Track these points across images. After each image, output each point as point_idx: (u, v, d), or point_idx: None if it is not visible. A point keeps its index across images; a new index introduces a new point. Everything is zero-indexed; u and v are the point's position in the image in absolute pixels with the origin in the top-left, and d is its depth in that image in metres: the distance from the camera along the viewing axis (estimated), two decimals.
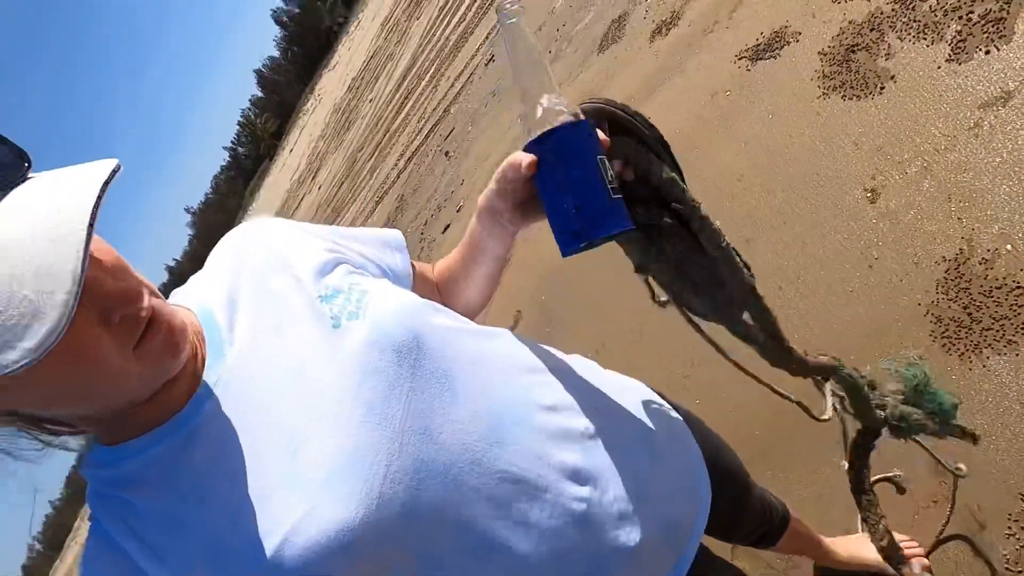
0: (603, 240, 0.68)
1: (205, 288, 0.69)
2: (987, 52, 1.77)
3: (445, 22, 9.23)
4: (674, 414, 0.90)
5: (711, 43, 2.98)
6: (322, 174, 16.68)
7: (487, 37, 6.88)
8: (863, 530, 1.42)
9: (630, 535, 0.70)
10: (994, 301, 1.44)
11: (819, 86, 2.22)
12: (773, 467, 1.67)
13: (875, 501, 0.91)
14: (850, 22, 2.24)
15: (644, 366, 2.25)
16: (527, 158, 0.68)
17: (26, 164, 0.52)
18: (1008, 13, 1.77)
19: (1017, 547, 1.22)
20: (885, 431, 0.89)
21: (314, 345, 0.63)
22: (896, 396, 0.90)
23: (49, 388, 0.51)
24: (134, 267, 0.57)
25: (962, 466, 1.21)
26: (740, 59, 2.70)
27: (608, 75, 3.71)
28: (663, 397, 0.93)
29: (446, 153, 6.35)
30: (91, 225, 0.47)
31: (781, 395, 0.90)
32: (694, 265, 0.73)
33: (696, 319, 0.78)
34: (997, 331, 1.41)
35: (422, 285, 0.86)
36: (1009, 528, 1.24)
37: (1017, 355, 1.36)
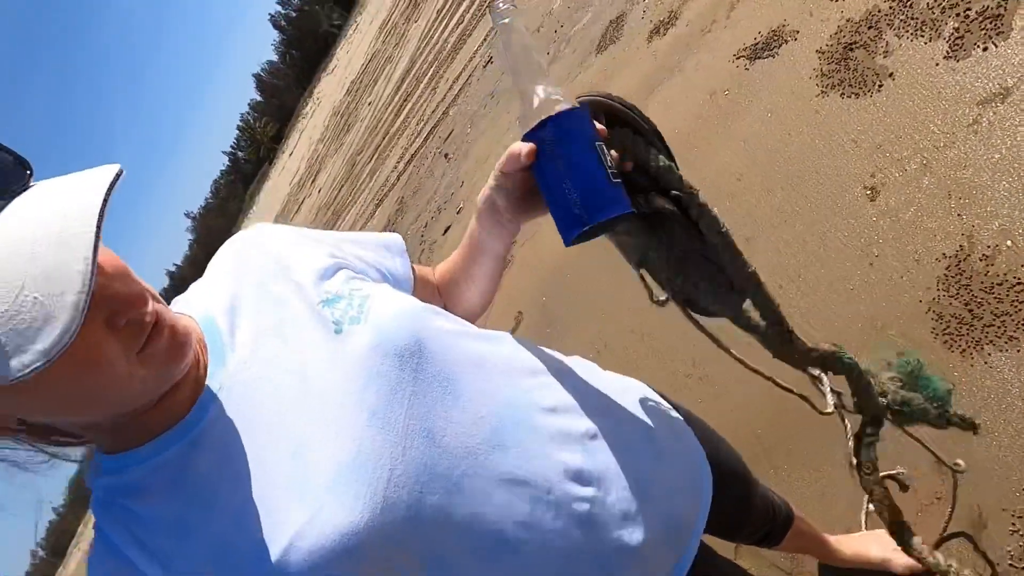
0: (604, 226, 0.68)
1: (206, 295, 0.69)
2: (985, 49, 1.77)
3: (443, 24, 9.24)
4: (675, 414, 0.90)
5: (709, 43, 2.98)
6: (322, 177, 16.69)
7: (485, 39, 6.89)
8: (867, 524, 1.42)
9: (633, 535, 0.71)
10: (995, 297, 1.44)
11: (817, 84, 2.22)
12: (776, 466, 1.67)
13: (888, 495, 0.91)
14: (848, 20, 2.25)
15: (646, 366, 2.25)
16: (526, 146, 0.68)
17: (28, 172, 0.52)
18: (1005, 10, 1.77)
19: (1020, 543, 1.22)
20: (887, 422, 0.89)
21: (316, 350, 0.63)
22: (895, 382, 0.90)
23: (57, 394, 0.51)
24: (135, 273, 0.57)
25: (960, 462, 1.21)
26: (738, 58, 2.70)
27: (606, 76, 3.71)
28: (664, 397, 0.93)
29: (445, 155, 6.36)
30: (99, 226, 0.48)
31: (783, 387, 0.91)
32: (695, 253, 0.73)
33: (697, 316, 0.78)
34: (999, 327, 1.41)
35: (423, 289, 0.87)
36: (1013, 524, 1.23)
37: (1019, 351, 1.36)
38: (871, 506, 0.92)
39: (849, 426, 0.93)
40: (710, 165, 2.45)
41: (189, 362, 0.59)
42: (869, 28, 2.14)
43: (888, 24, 2.08)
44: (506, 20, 0.70)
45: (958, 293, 1.50)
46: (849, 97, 2.09)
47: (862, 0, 2.23)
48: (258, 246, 0.72)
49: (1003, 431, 1.31)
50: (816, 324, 1.77)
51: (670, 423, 0.87)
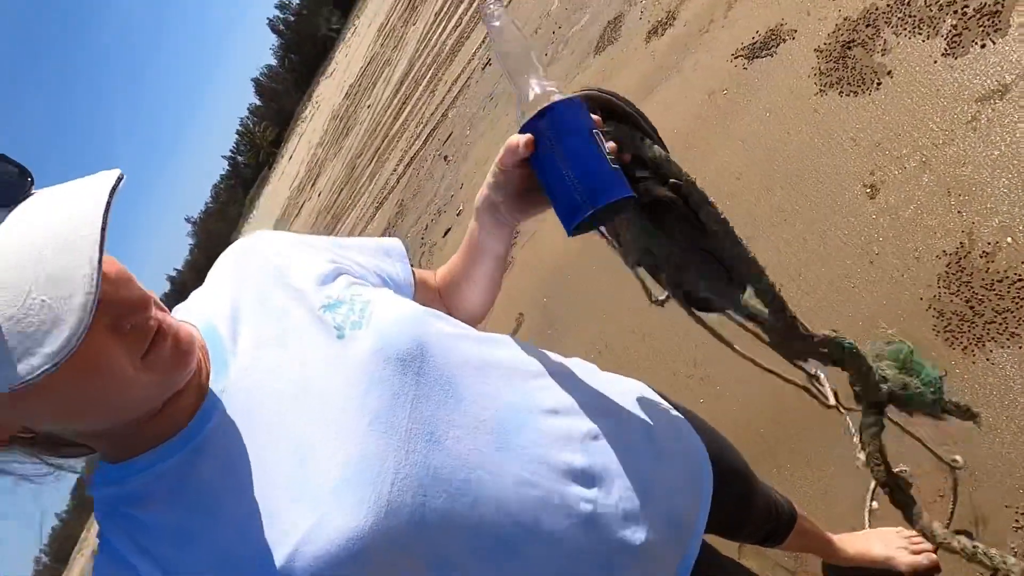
0: (607, 212, 0.67)
1: (207, 302, 0.69)
2: (983, 46, 1.77)
3: (441, 27, 9.26)
4: (675, 413, 0.90)
5: (707, 42, 2.99)
6: (321, 181, 16.71)
7: (483, 41, 6.90)
8: (870, 522, 1.42)
9: (636, 534, 0.71)
10: (996, 294, 1.44)
11: (816, 83, 2.22)
12: (779, 465, 1.67)
13: (895, 478, 0.90)
14: (845, 18, 2.25)
15: (647, 366, 2.25)
16: (524, 137, 0.68)
17: (29, 180, 0.52)
18: (1003, 7, 1.77)
19: None
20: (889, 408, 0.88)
21: (318, 355, 0.63)
22: (891, 368, 0.90)
23: (63, 399, 0.51)
24: (136, 279, 0.57)
25: (958, 458, 1.21)
26: (736, 58, 2.70)
27: (605, 77, 3.71)
28: (664, 397, 0.93)
29: (445, 157, 6.36)
30: (103, 229, 0.48)
31: (785, 380, 0.91)
32: (695, 246, 0.73)
33: (697, 312, 0.78)
34: (1000, 324, 1.41)
35: (424, 293, 0.87)
36: (1016, 521, 1.23)
37: (1020, 348, 1.36)
38: (875, 503, 0.92)
39: (850, 422, 0.93)
40: (709, 165, 2.45)
41: (193, 368, 0.59)
42: (867, 26, 2.14)
43: (886, 22, 2.09)
44: (496, 23, 0.71)
45: (959, 290, 1.50)
46: (848, 95, 2.09)
47: None
48: (258, 253, 0.72)
49: (1006, 428, 1.31)
50: (817, 322, 1.75)
51: (670, 423, 0.87)
